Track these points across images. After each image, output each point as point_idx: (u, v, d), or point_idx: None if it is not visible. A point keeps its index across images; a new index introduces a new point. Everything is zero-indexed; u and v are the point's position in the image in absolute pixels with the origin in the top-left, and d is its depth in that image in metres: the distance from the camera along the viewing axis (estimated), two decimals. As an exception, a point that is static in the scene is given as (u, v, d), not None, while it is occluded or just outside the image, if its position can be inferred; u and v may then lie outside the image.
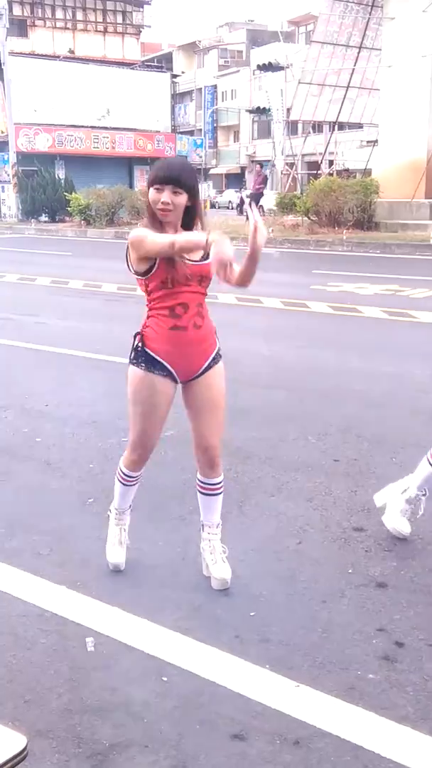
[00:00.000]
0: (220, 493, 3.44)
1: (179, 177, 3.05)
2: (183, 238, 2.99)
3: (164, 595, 3.30)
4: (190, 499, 4.14)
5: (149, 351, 3.19)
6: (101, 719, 2.53)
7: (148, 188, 3.10)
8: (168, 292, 3.13)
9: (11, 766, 1.35)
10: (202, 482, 3.42)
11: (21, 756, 1.36)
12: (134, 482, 3.50)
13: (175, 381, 3.27)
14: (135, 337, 3.24)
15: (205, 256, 3.07)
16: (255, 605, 3.22)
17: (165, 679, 2.73)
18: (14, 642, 2.96)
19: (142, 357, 3.21)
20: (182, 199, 3.06)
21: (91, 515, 4.09)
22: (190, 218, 3.16)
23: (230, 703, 2.61)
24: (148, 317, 3.22)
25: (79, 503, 4.25)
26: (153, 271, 3.11)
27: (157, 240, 3.02)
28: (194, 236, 3.00)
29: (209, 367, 3.28)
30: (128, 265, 3.19)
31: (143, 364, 3.21)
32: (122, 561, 3.51)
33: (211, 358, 3.28)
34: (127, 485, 3.50)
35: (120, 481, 3.51)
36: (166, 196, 3.04)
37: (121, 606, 3.20)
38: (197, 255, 3.11)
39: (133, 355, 3.25)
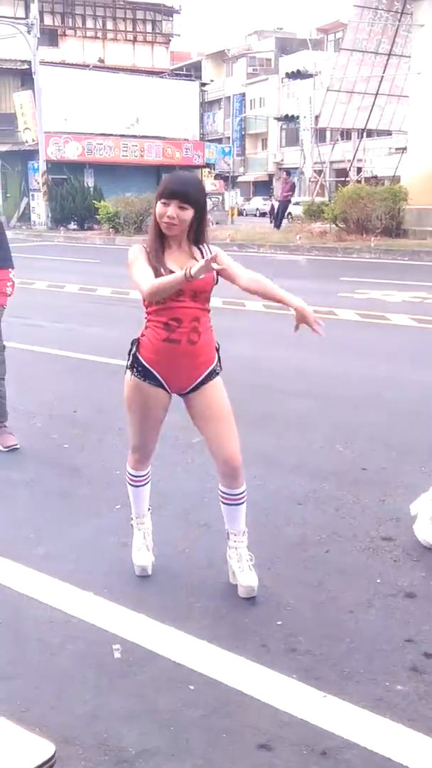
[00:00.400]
0: (243, 503, 3.41)
1: (186, 192, 3.07)
2: (159, 281, 3.05)
3: (190, 602, 3.30)
4: (215, 506, 4.12)
5: (142, 359, 3.27)
6: (128, 727, 2.52)
7: (156, 201, 3.13)
8: (162, 306, 3.16)
9: (39, 773, 1.35)
10: (224, 493, 3.40)
11: (50, 763, 1.36)
12: (142, 482, 3.55)
13: (167, 391, 3.31)
14: (132, 343, 3.31)
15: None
16: (282, 614, 3.20)
17: (192, 687, 2.72)
18: (41, 648, 2.97)
19: (135, 364, 3.29)
20: (188, 214, 3.08)
21: (118, 521, 4.09)
22: (196, 233, 3.18)
23: (257, 712, 2.60)
24: (145, 327, 3.27)
25: (106, 509, 4.26)
26: None
27: (137, 279, 3.12)
28: (171, 278, 3.03)
29: (204, 383, 3.28)
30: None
31: (136, 371, 3.29)
32: (148, 564, 3.52)
33: (205, 374, 3.27)
34: (136, 486, 3.55)
35: (129, 483, 3.57)
36: (172, 210, 3.06)
37: (147, 613, 3.20)
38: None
39: (129, 360, 3.32)
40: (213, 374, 3.30)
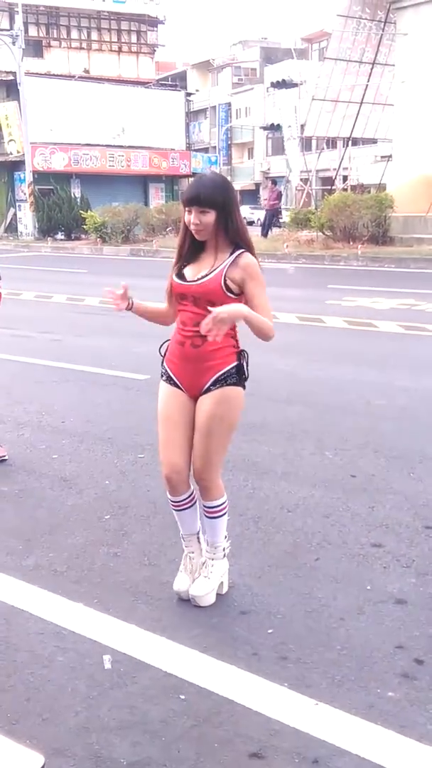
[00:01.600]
0: (217, 517, 3.37)
1: (199, 197, 3.07)
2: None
3: (181, 612, 3.29)
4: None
5: (164, 360, 3.35)
6: (119, 737, 2.51)
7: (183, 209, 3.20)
8: (177, 308, 3.26)
9: (29, 785, 1.34)
10: (202, 503, 3.40)
11: (39, 775, 1.35)
12: (181, 506, 3.37)
13: (188, 395, 3.27)
14: (163, 345, 3.40)
15: (200, 278, 3.14)
16: (273, 623, 3.20)
17: (183, 697, 2.71)
18: (32, 659, 2.96)
19: (162, 365, 3.36)
20: (210, 217, 3.08)
21: (107, 532, 4.09)
22: (228, 234, 3.13)
23: (248, 721, 2.59)
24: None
25: (95, 519, 4.25)
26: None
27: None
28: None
29: (214, 388, 3.20)
30: None
31: (163, 374, 3.36)
32: (182, 589, 3.37)
33: (212, 380, 3.19)
34: (176, 510, 3.40)
35: (171, 507, 3.44)
36: (194, 216, 3.09)
37: (138, 623, 3.19)
38: (193, 275, 3.17)
39: (161, 363, 3.39)
40: (221, 382, 3.19)
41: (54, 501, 4.54)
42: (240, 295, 3.14)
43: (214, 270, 3.12)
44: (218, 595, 3.41)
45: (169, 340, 3.36)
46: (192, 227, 3.11)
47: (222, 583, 3.43)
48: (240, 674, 2.85)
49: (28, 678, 2.85)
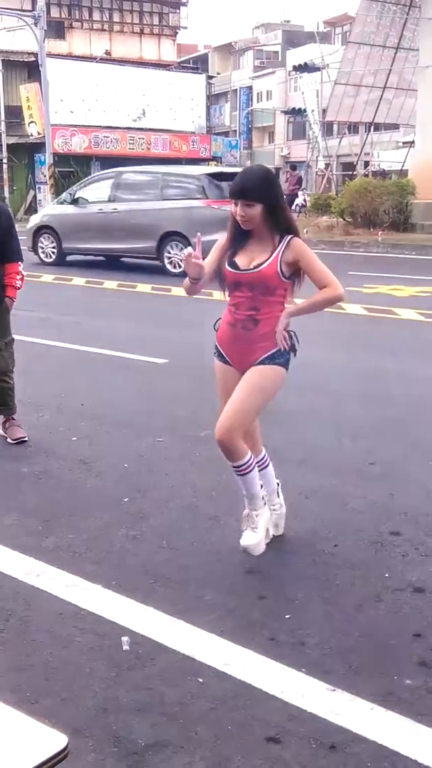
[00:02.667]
0: (247, 473, 3.46)
1: (243, 190, 3.25)
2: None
3: (198, 595, 3.30)
4: (223, 499, 4.15)
5: (216, 339, 3.53)
6: (137, 719, 2.53)
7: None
8: (232, 292, 3.43)
9: (53, 764, 1.35)
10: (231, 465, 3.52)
11: (63, 755, 1.36)
12: (242, 471, 3.44)
13: (237, 370, 3.46)
14: (216, 323, 3.57)
15: (256, 266, 3.32)
16: (290, 608, 3.20)
17: (201, 680, 2.73)
18: (51, 640, 2.98)
19: (215, 344, 3.54)
20: (256, 210, 3.25)
21: (126, 514, 4.10)
22: (275, 223, 3.32)
23: (266, 705, 2.60)
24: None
25: (114, 502, 4.27)
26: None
27: None
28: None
29: (257, 364, 3.41)
30: None
31: (215, 351, 3.54)
32: (251, 543, 3.49)
33: (262, 358, 3.39)
34: (238, 474, 3.47)
35: (235, 473, 3.51)
36: (240, 209, 3.25)
37: (156, 605, 3.20)
38: (246, 263, 3.34)
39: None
40: (268, 360, 3.39)
41: (73, 483, 4.57)
42: (290, 278, 3.38)
43: (269, 258, 3.31)
44: (236, 580, 3.42)
45: (220, 318, 3.52)
46: (238, 219, 3.28)
47: (267, 530, 3.61)
48: (257, 659, 2.86)
49: (47, 658, 2.87)
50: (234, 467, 3.46)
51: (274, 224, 3.31)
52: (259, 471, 3.59)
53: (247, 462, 3.44)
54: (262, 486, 3.59)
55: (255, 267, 3.32)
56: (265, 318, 3.36)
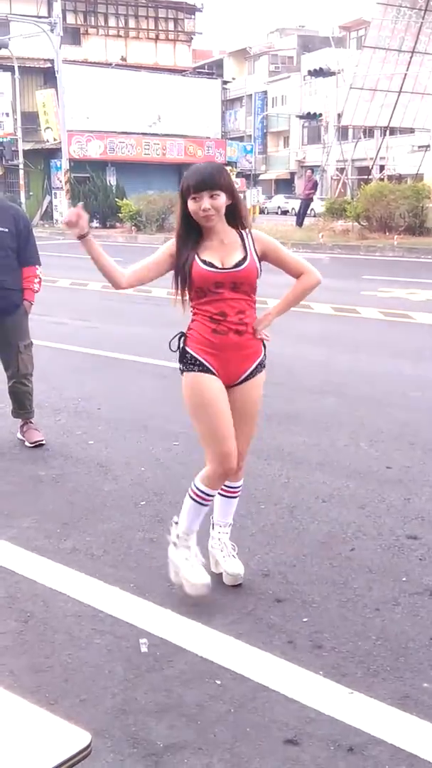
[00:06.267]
0: (238, 496, 3.50)
1: (212, 179, 3.05)
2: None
3: (216, 598, 3.31)
4: (238, 503, 4.15)
5: (192, 351, 3.21)
6: (156, 720, 2.55)
7: (184, 201, 3.09)
8: (207, 299, 3.16)
9: (76, 761, 1.37)
10: (226, 485, 3.41)
11: (86, 752, 1.38)
12: (210, 501, 3.33)
13: (222, 382, 3.23)
14: (179, 338, 3.26)
15: (237, 264, 3.13)
16: (308, 611, 3.21)
17: (218, 682, 2.74)
18: (69, 641, 3.00)
19: (186, 358, 3.23)
20: (222, 200, 3.08)
21: (143, 518, 4.12)
22: (234, 217, 3.18)
23: (283, 708, 2.61)
24: (192, 320, 3.26)
25: (131, 505, 4.29)
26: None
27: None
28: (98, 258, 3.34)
29: (252, 376, 3.26)
30: None
31: (189, 364, 3.22)
32: (208, 580, 3.25)
33: (253, 367, 3.26)
34: (203, 504, 3.29)
35: (195, 500, 3.28)
36: (206, 202, 3.04)
37: (174, 608, 3.22)
38: (223, 262, 3.13)
39: (179, 358, 3.26)
40: (260, 367, 3.29)
41: (90, 486, 4.59)
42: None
43: (247, 254, 3.15)
44: (253, 583, 3.43)
45: (181, 334, 3.26)
46: (202, 214, 3.05)
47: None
48: (275, 661, 2.87)
49: (66, 660, 2.89)
50: (234, 488, 3.44)
51: (236, 218, 3.16)
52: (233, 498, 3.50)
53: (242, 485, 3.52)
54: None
55: (236, 265, 3.12)
56: (251, 320, 3.21)
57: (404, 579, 3.46)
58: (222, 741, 2.45)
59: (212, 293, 3.14)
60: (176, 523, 3.38)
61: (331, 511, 4.19)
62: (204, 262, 3.12)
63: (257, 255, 3.18)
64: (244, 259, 3.14)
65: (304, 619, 3.15)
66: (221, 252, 3.14)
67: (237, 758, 2.38)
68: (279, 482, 4.60)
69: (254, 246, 3.18)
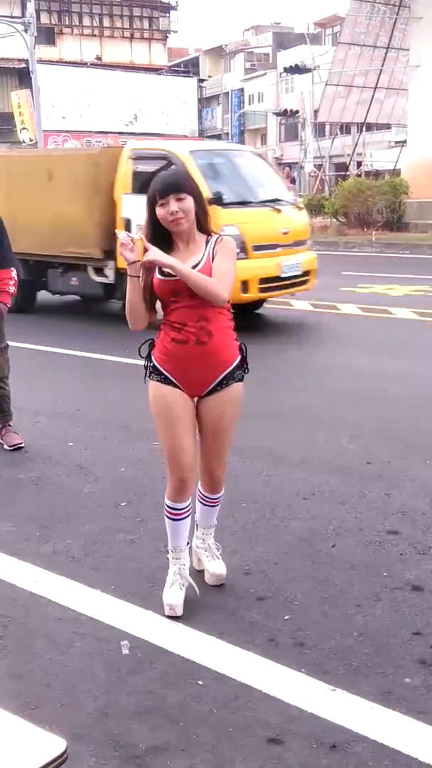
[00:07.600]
0: (218, 506, 3.46)
1: (178, 182, 2.99)
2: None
3: (197, 598, 3.29)
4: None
5: (155, 361, 3.15)
6: (138, 722, 2.53)
7: (152, 209, 3.01)
8: (169, 308, 3.08)
9: (52, 768, 1.35)
10: (203, 495, 3.40)
11: (61, 759, 1.36)
12: (181, 515, 3.23)
13: (186, 394, 3.15)
14: (149, 346, 3.21)
15: (192, 268, 3.00)
16: (289, 609, 3.20)
17: (200, 682, 2.73)
18: (50, 645, 2.98)
19: (151, 368, 3.17)
20: (189, 203, 2.98)
21: (123, 519, 4.10)
22: (200, 220, 3.07)
23: (266, 706, 2.60)
24: (159, 329, 3.18)
25: (111, 507, 4.27)
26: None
27: None
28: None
29: (220, 387, 3.13)
30: None
31: (153, 375, 3.16)
32: (178, 603, 3.17)
33: (222, 377, 3.12)
34: (174, 519, 3.23)
35: (167, 516, 3.24)
36: (173, 205, 2.96)
37: (155, 609, 3.20)
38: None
39: (145, 363, 3.21)
40: (231, 379, 3.13)
41: (70, 488, 4.56)
42: None
43: (203, 258, 3.03)
44: (234, 581, 3.42)
45: (149, 341, 3.20)
46: (171, 218, 2.96)
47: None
48: (257, 660, 2.86)
49: (47, 664, 2.87)
50: (213, 499, 3.40)
51: (202, 221, 3.06)
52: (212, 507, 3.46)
53: (223, 494, 3.45)
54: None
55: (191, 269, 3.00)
56: (218, 329, 3.06)
57: (385, 574, 3.47)
58: (205, 742, 2.44)
59: (172, 302, 3.05)
60: None
61: (312, 508, 4.19)
62: (161, 272, 3.03)
63: (214, 258, 3.04)
64: (199, 262, 3.02)
65: (286, 617, 3.14)
66: (182, 257, 3.02)
67: (220, 759, 2.37)
68: (260, 480, 4.60)
69: (213, 249, 3.05)
